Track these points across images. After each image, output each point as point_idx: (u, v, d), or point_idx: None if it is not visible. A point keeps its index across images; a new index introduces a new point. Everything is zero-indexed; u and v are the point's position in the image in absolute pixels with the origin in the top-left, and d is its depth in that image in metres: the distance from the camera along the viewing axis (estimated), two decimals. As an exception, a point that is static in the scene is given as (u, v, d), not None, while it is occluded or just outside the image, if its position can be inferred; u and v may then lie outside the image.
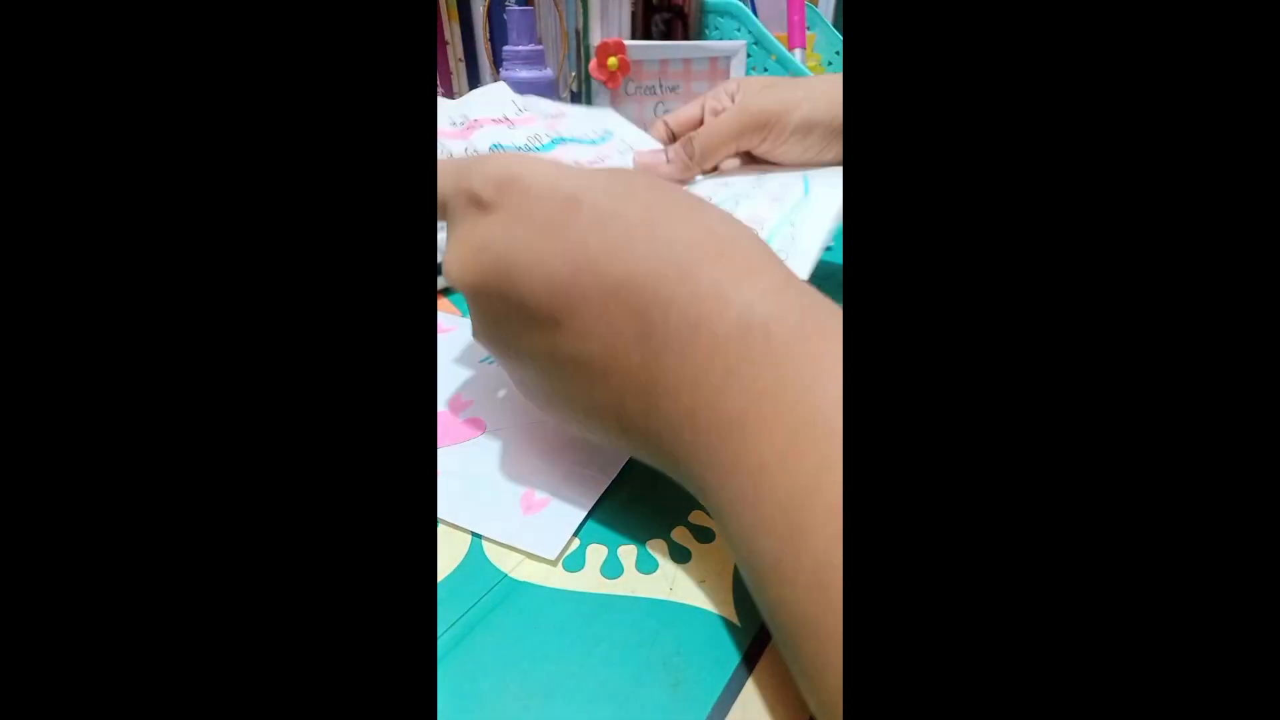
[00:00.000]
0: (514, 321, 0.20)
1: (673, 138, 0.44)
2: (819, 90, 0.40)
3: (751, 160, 0.44)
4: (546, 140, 0.38)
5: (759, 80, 0.43)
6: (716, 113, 0.43)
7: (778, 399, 0.16)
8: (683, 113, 0.44)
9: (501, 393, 0.30)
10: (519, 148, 0.35)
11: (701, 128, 0.40)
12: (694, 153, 0.39)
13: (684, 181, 0.40)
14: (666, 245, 0.18)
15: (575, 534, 0.23)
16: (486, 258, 0.20)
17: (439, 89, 0.55)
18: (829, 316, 0.18)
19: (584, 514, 0.24)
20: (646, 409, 0.19)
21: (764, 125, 0.39)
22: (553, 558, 0.22)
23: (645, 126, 0.60)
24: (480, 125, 0.34)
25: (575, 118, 0.41)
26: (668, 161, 0.39)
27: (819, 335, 0.17)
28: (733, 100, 0.42)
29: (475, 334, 0.23)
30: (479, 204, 0.20)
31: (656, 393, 0.18)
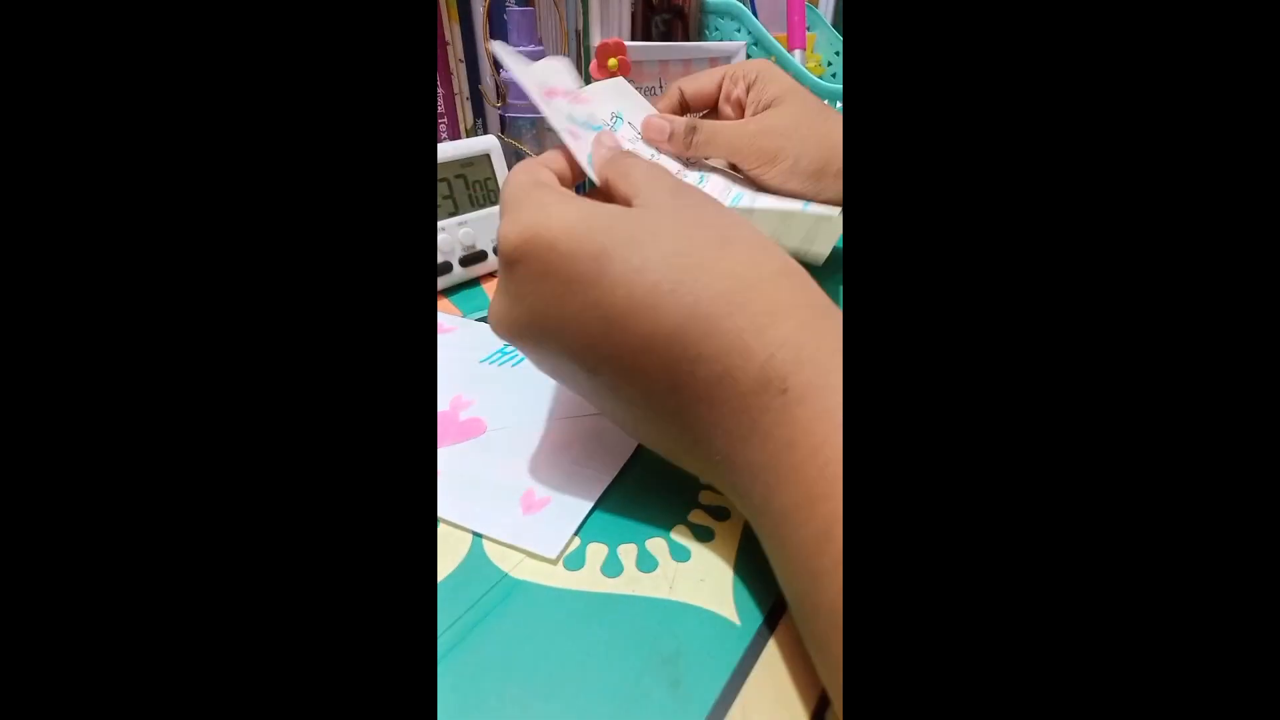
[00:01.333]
0: (555, 362, 0.22)
1: (684, 107, 0.44)
2: (838, 133, 0.39)
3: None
4: (599, 122, 0.37)
5: (783, 82, 0.41)
6: (730, 99, 0.42)
7: (794, 452, 0.17)
8: (699, 82, 0.43)
9: (501, 392, 0.30)
10: (584, 124, 0.34)
11: (712, 126, 0.40)
12: (693, 143, 0.40)
13: (684, 161, 0.41)
14: (692, 300, 0.19)
15: (576, 533, 0.23)
16: (520, 310, 0.21)
17: (439, 90, 0.55)
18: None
19: (584, 513, 0.24)
20: (686, 446, 0.21)
21: (772, 160, 0.39)
22: (553, 557, 0.22)
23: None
24: (556, 94, 0.34)
25: (595, 100, 0.40)
26: (668, 139, 0.40)
27: (832, 388, 0.17)
28: (746, 92, 0.41)
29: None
30: (508, 259, 0.21)
31: (692, 437, 0.20)
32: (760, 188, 0.41)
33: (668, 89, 0.45)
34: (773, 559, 0.19)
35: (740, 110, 0.42)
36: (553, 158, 0.26)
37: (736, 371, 0.18)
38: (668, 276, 0.19)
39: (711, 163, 0.42)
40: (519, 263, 0.21)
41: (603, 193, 0.24)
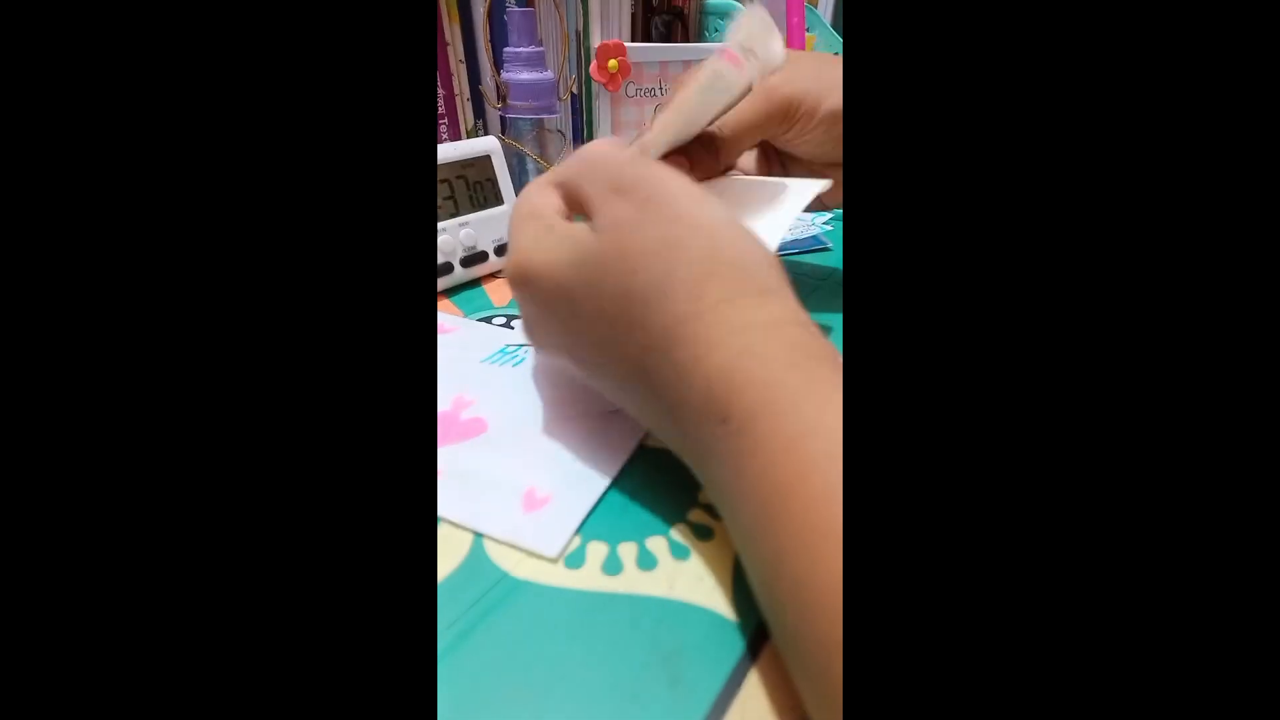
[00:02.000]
0: (565, 366, 0.27)
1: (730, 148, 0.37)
2: None
3: (766, 160, 0.39)
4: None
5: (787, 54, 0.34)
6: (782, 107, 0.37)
7: (741, 479, 0.19)
8: (739, 116, 0.36)
9: (503, 391, 0.31)
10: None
11: (724, 120, 0.35)
12: (718, 149, 0.35)
13: (707, 177, 0.36)
14: (643, 335, 0.21)
15: (576, 532, 0.23)
16: (528, 326, 0.27)
17: (440, 91, 0.55)
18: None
19: (585, 512, 0.24)
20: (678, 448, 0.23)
21: (790, 113, 0.35)
22: (554, 555, 0.22)
23: (644, 129, 0.59)
24: None
25: None
26: (691, 167, 0.35)
27: (778, 412, 0.18)
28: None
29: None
30: (509, 284, 0.26)
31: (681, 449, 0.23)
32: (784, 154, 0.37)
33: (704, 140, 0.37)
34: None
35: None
36: (558, 180, 0.26)
37: (684, 404, 0.20)
38: (621, 315, 0.22)
39: None
40: (515, 289, 0.25)
41: (570, 198, 0.26)
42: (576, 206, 0.25)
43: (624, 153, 0.25)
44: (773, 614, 0.18)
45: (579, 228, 0.24)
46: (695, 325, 0.20)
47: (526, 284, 0.24)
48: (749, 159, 0.40)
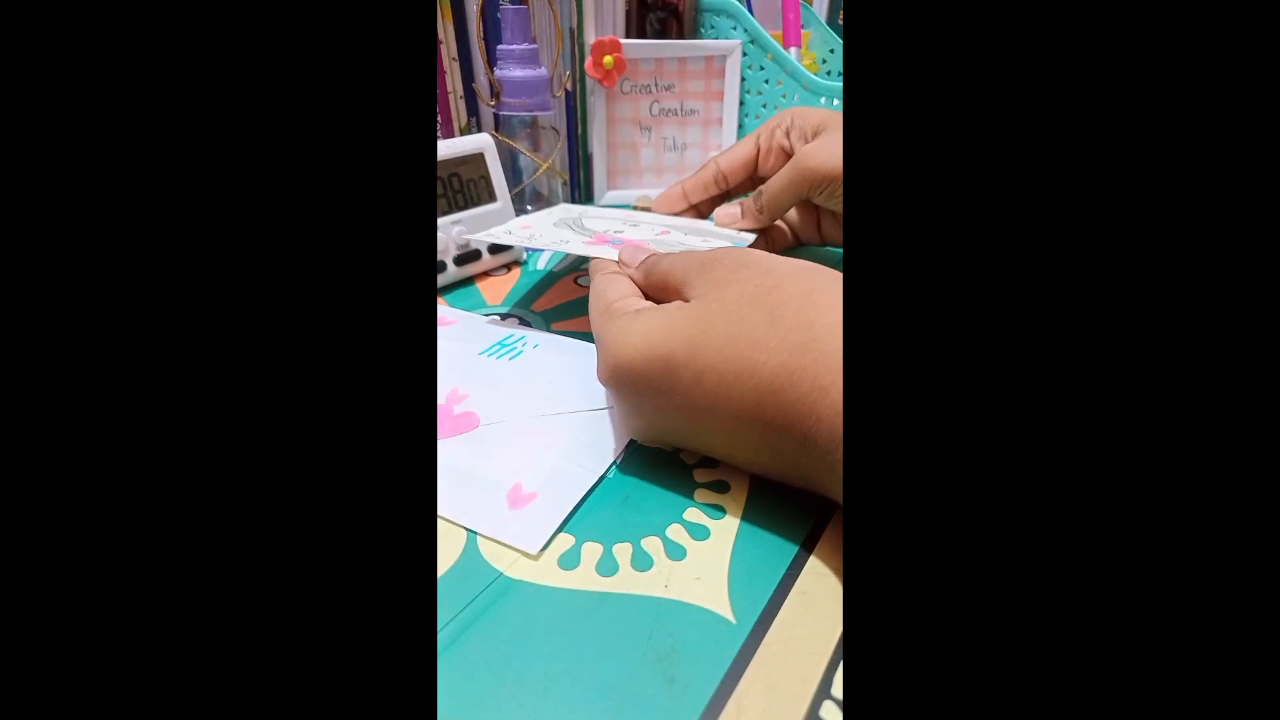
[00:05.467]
0: (681, 444, 0.27)
1: (723, 179, 0.44)
2: None
3: (805, 211, 0.45)
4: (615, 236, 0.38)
5: (822, 111, 0.41)
6: (772, 151, 0.42)
7: None
8: (735, 154, 0.44)
9: (498, 385, 0.30)
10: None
11: (768, 184, 0.41)
12: (763, 207, 0.41)
13: (758, 231, 0.43)
14: (755, 382, 0.21)
15: (561, 528, 0.23)
16: (635, 420, 0.26)
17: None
18: None
19: (569, 509, 0.24)
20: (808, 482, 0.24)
21: (819, 183, 0.39)
22: (535, 551, 0.22)
23: (641, 124, 0.59)
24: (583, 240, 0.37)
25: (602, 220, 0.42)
26: (742, 215, 0.43)
27: None
28: (787, 135, 0.42)
29: None
30: (608, 387, 0.26)
31: (805, 479, 0.23)
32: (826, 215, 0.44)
33: (703, 165, 0.45)
34: None
35: (787, 157, 0.42)
36: (625, 267, 0.29)
37: (813, 435, 0.20)
38: (730, 368, 0.22)
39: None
40: (614, 390, 0.25)
41: (657, 288, 0.27)
42: (658, 293, 0.27)
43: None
44: None
45: (669, 304, 0.24)
46: (813, 354, 0.20)
47: (627, 370, 0.24)
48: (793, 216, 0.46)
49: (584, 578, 0.21)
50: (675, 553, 0.22)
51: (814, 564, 0.22)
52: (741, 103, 0.61)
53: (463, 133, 0.56)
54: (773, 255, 0.25)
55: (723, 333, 0.22)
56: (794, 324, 0.21)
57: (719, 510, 0.24)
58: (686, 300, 0.24)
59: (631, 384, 0.24)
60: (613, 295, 0.27)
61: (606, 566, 0.22)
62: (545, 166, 0.53)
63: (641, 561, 0.22)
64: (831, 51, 0.75)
